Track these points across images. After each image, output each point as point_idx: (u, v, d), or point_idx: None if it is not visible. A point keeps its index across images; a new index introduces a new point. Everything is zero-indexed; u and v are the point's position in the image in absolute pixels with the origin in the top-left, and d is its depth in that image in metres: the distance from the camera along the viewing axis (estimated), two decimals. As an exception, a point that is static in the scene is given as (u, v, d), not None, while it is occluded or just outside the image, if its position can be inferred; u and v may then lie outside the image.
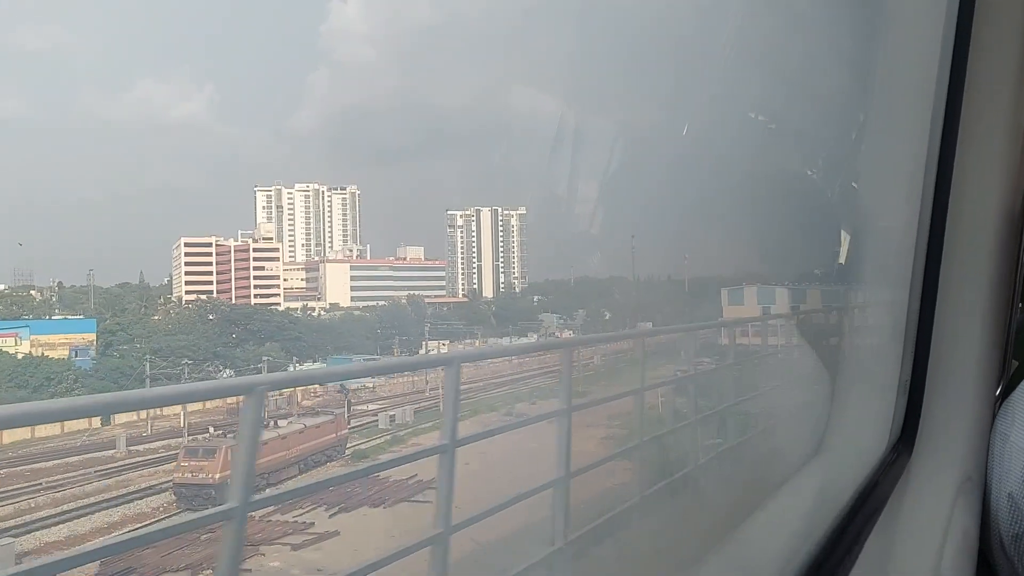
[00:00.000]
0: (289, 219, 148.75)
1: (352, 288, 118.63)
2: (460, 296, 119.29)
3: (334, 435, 28.17)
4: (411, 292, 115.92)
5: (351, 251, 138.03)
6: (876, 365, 3.79)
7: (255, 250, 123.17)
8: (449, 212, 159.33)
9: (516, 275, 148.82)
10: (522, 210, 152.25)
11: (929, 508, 3.47)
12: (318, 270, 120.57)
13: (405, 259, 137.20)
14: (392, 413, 45.70)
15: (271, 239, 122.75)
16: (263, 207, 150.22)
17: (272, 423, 28.21)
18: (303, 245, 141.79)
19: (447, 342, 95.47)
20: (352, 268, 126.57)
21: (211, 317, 77.35)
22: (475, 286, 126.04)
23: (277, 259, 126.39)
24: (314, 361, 73.51)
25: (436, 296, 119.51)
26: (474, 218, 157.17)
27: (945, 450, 3.54)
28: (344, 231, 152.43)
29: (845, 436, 3.76)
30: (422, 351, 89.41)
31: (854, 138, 4.15)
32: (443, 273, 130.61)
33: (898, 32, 3.76)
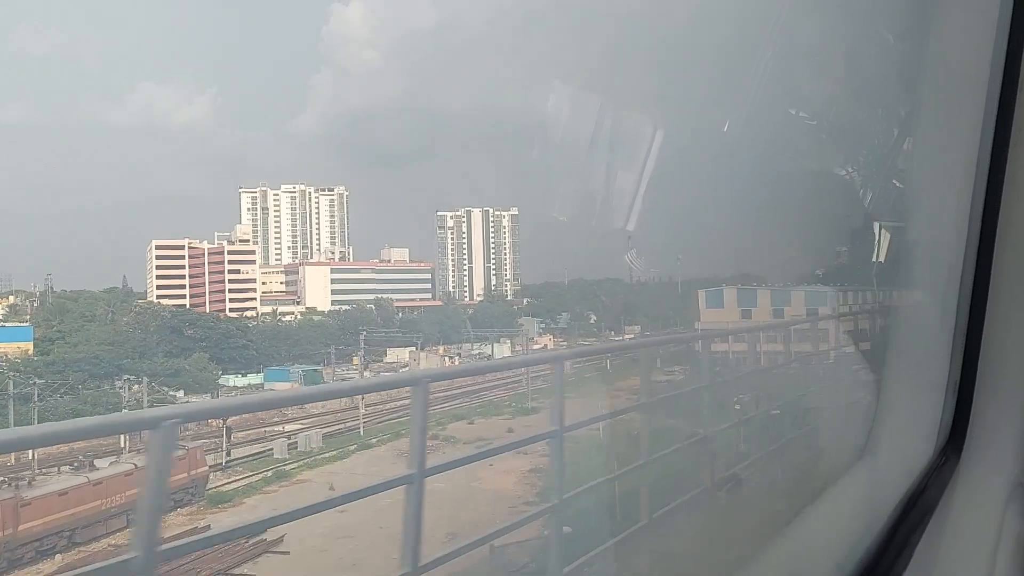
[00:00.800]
0: (275, 221, 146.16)
1: (333, 291, 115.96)
2: (438, 299, 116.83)
3: (186, 474, 23.55)
4: (380, 296, 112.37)
5: (333, 253, 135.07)
6: (923, 365, 3.75)
7: (230, 253, 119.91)
8: (439, 213, 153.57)
9: (508, 277, 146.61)
10: (514, 211, 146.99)
11: (980, 513, 3.43)
12: (298, 273, 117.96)
13: (389, 261, 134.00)
14: (295, 439, 41.08)
15: (248, 241, 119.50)
16: (248, 209, 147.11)
17: (87, 464, 22.13)
18: (289, 247, 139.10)
19: (411, 349, 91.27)
20: (333, 271, 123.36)
21: (153, 324, 75.49)
22: (452, 289, 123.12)
23: (253, 262, 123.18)
24: (244, 374, 71.74)
25: (420, 299, 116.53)
26: (465, 219, 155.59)
27: (996, 453, 3.49)
28: (332, 232, 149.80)
29: (892, 438, 3.73)
30: (386, 359, 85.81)
31: (900, 136, 4.13)
32: (428, 276, 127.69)
33: (949, 29, 3.76)
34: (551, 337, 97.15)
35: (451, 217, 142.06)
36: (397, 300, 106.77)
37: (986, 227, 3.58)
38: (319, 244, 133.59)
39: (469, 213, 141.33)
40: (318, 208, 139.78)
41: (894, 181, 4.10)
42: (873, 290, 5.32)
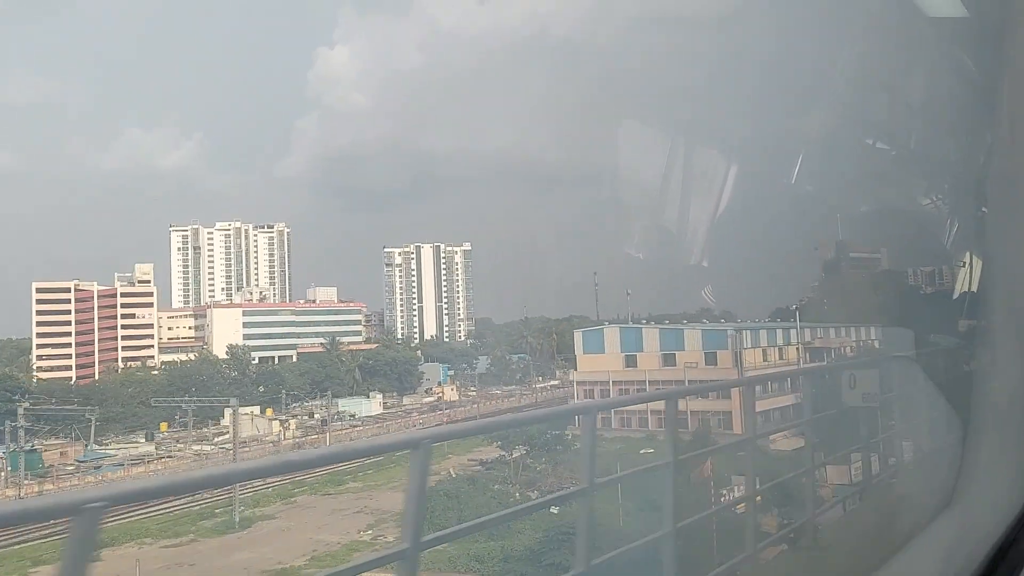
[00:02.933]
0: (209, 260, 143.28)
1: (245, 336, 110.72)
2: (372, 342, 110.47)
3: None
4: (235, 345, 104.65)
5: (251, 294, 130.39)
6: (1010, 409, 3.71)
7: (123, 295, 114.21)
8: (386, 250, 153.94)
9: (461, 316, 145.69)
10: (467, 246, 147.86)
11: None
12: (206, 316, 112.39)
13: (315, 301, 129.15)
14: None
15: (148, 282, 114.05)
16: (178, 248, 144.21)
17: None
18: (223, 288, 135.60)
19: (253, 410, 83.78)
20: (245, 313, 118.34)
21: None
22: (337, 329, 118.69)
23: (151, 304, 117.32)
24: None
25: (350, 343, 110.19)
26: (414, 256, 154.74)
27: (1092, 503, 3.46)
28: (271, 272, 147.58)
29: (979, 487, 3.65)
30: (222, 421, 78.62)
31: (983, 164, 4.14)
32: (359, 316, 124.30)
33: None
34: (455, 387, 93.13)
35: (399, 254, 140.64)
36: (306, 346, 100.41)
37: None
38: (258, 283, 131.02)
39: (419, 249, 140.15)
40: (256, 246, 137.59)
41: (983, 209, 4.10)
42: (954, 327, 5.31)
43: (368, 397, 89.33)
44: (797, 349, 62.05)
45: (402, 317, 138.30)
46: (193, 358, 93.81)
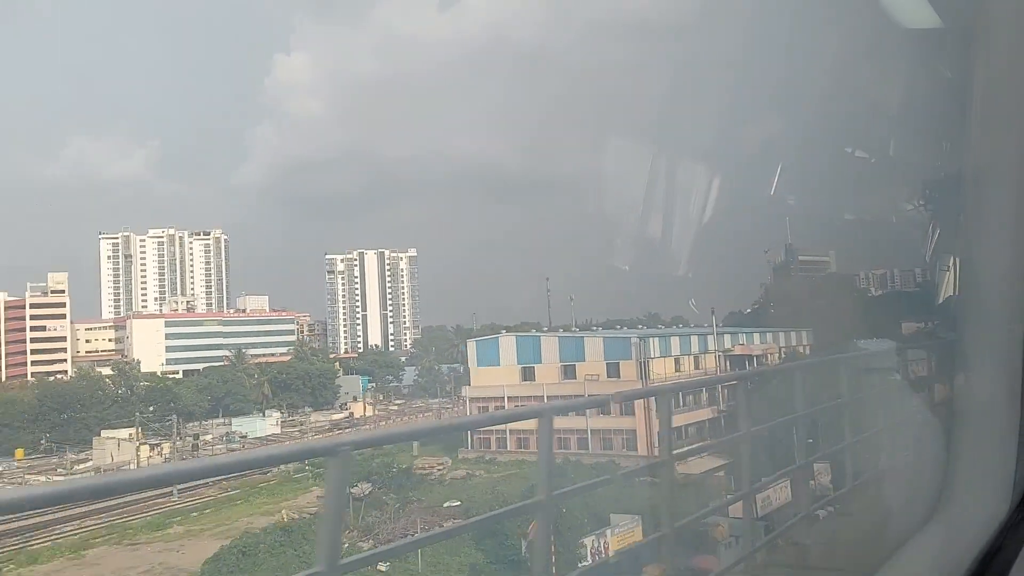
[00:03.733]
0: (142, 268, 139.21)
1: (168, 348, 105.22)
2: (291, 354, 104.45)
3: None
4: (123, 359, 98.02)
5: (177, 304, 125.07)
6: (992, 416, 3.76)
7: (33, 306, 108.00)
8: (328, 257, 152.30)
9: (407, 324, 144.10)
10: (412, 252, 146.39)
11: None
12: (126, 328, 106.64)
13: (245, 311, 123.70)
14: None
15: (62, 291, 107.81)
16: (108, 256, 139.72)
17: None
18: (156, 298, 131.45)
19: (128, 434, 72.01)
20: (168, 324, 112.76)
21: None
22: (267, 340, 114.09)
23: (64, 315, 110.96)
24: None
25: (280, 355, 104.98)
26: (357, 263, 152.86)
27: (1076, 508, 3.51)
28: (207, 281, 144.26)
29: (964, 495, 3.69)
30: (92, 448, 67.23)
31: (957, 170, 4.20)
32: (291, 326, 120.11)
33: (996, 60, 3.87)
34: (371, 401, 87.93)
35: (342, 260, 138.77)
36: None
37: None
38: (193, 292, 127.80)
39: (362, 256, 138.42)
40: (191, 254, 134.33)
41: (960, 216, 4.17)
42: (938, 339, 5.38)
43: (264, 415, 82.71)
44: (716, 357, 57.36)
45: (345, 326, 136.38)
46: (111, 372, 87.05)
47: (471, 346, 69.44)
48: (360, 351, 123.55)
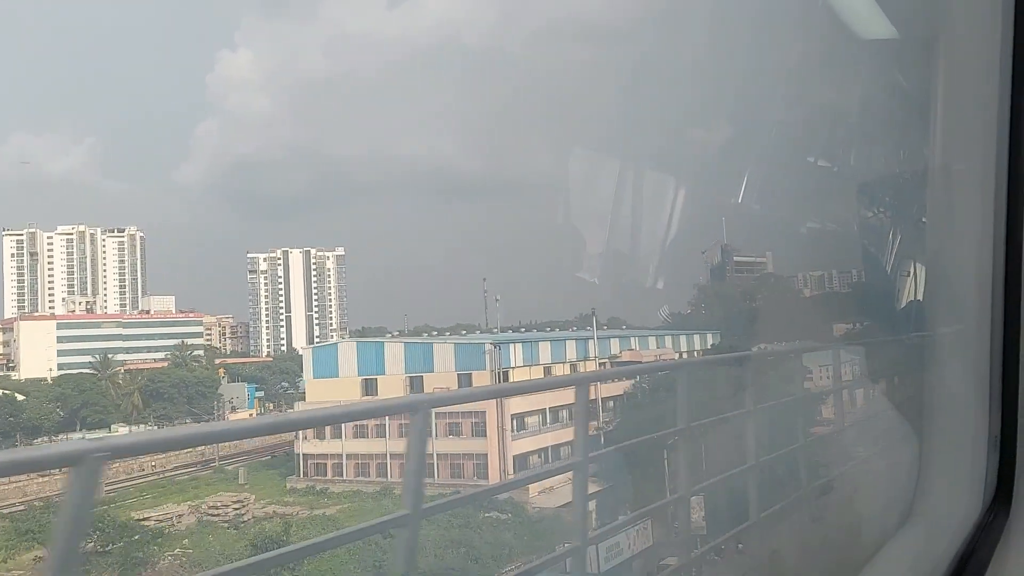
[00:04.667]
0: (49, 267, 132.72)
1: (60, 352, 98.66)
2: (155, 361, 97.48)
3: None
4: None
5: (74, 304, 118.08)
6: (962, 420, 3.85)
7: None
8: (249, 255, 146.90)
9: (334, 326, 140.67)
10: (340, 251, 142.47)
11: (1034, 571, 3.53)
12: (13, 331, 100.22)
13: (149, 312, 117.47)
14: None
15: None
16: (12, 254, 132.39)
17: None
18: (63, 298, 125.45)
19: None
20: (60, 327, 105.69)
21: None
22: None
23: None
24: None
25: (155, 362, 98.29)
26: (281, 261, 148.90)
27: (1046, 507, 3.61)
28: (120, 280, 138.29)
29: (936, 499, 3.78)
30: None
31: (918, 175, 4.30)
32: (199, 328, 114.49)
33: (954, 61, 3.97)
34: (269, 408, 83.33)
35: (264, 259, 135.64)
36: (135, 362, 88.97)
37: (1011, 267, 3.74)
38: (105, 291, 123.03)
39: (287, 254, 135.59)
40: (105, 252, 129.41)
41: (922, 219, 4.27)
42: (904, 340, 5.47)
43: (110, 429, 73.45)
44: (598, 365, 50.98)
45: (268, 328, 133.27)
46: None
47: (307, 355, 61.89)
48: (283, 354, 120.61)
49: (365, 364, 55.02)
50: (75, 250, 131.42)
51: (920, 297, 4.46)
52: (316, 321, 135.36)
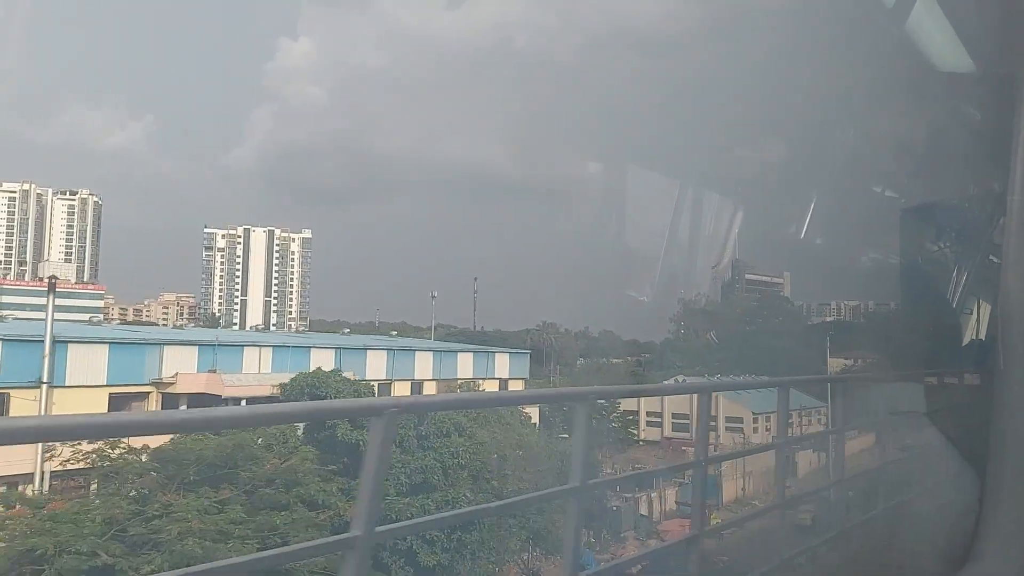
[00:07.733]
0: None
1: None
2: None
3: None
4: None
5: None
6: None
7: None
8: (207, 231, 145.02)
9: (294, 315, 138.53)
10: (307, 233, 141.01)
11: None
12: None
13: (42, 279, 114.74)
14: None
15: None
16: None
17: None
18: (2, 262, 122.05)
19: None
20: None
21: None
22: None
23: None
24: None
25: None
26: (241, 240, 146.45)
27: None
28: (67, 246, 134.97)
29: (1000, 543, 3.85)
30: None
31: (991, 210, 4.39)
32: (99, 302, 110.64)
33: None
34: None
35: (223, 236, 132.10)
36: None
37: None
38: (48, 257, 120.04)
39: (248, 232, 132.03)
40: (52, 215, 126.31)
41: (991, 258, 4.36)
42: (969, 376, 5.54)
43: None
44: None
45: (220, 310, 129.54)
46: None
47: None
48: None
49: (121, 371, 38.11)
50: (17, 209, 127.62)
51: (987, 332, 4.55)
52: (274, 308, 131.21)
